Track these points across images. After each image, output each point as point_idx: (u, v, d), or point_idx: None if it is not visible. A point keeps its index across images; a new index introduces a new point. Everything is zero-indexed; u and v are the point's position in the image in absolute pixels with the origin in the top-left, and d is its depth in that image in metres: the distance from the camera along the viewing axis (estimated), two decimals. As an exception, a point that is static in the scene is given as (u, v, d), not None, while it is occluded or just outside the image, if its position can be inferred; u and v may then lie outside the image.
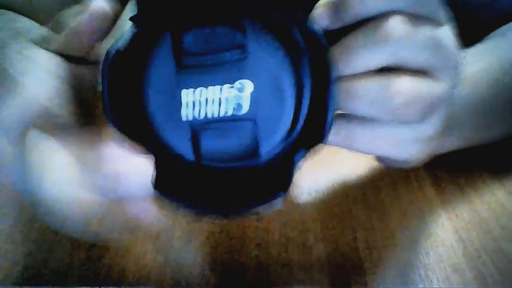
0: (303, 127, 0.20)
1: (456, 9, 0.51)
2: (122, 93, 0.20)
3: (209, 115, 0.19)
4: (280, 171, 0.20)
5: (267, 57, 0.19)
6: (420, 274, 0.28)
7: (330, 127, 0.20)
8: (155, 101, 0.20)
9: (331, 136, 0.22)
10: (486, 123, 0.34)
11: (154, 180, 0.20)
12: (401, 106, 0.22)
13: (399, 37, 0.21)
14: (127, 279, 0.28)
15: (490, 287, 0.27)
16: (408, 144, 0.25)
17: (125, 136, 0.20)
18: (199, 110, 0.19)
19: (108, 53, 0.19)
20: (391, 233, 0.31)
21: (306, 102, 0.20)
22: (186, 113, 0.19)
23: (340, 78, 0.21)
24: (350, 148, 0.24)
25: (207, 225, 0.32)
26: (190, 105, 0.19)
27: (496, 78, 0.34)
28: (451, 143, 0.33)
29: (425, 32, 0.22)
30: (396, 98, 0.22)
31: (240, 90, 0.19)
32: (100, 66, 0.20)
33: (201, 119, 0.19)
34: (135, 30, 0.19)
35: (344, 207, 0.33)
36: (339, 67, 0.21)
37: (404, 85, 0.22)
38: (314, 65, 0.20)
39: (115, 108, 0.20)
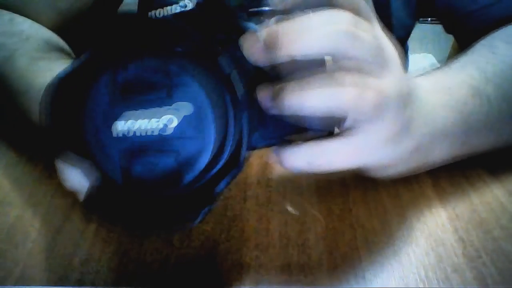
0: (226, 159, 0.22)
1: (454, 13, 0.51)
2: (65, 119, 0.22)
3: (137, 147, 0.21)
4: (202, 197, 0.22)
5: (191, 95, 0.21)
6: (420, 274, 0.28)
7: (244, 157, 0.22)
8: (91, 129, 0.22)
9: (298, 164, 0.25)
10: (472, 134, 0.34)
11: (87, 198, 0.22)
12: (351, 98, 0.23)
13: (342, 31, 0.23)
14: (127, 279, 0.28)
15: (490, 287, 0.27)
16: (371, 150, 0.26)
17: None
18: (129, 141, 0.21)
19: (52, 80, 0.22)
20: (391, 233, 0.31)
21: (229, 136, 0.22)
22: (118, 143, 0.21)
23: (290, 85, 0.23)
24: (319, 169, 0.26)
25: (207, 225, 0.32)
26: (121, 136, 0.21)
27: (478, 88, 0.34)
28: (439, 155, 0.33)
29: (364, 29, 0.24)
30: (344, 91, 0.23)
31: (166, 125, 0.21)
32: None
33: (131, 149, 0.21)
34: (79, 62, 0.22)
35: (344, 207, 0.33)
36: (287, 47, 0.22)
37: (350, 78, 0.23)
38: (233, 102, 0.22)
39: (58, 129, 0.22)
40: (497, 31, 0.42)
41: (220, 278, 0.28)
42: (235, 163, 0.22)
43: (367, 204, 0.34)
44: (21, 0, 0.48)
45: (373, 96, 0.24)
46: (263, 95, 0.24)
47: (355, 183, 0.35)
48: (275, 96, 0.24)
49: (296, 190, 0.35)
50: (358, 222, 0.32)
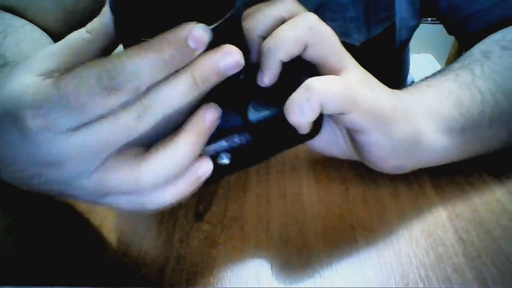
0: None
1: (457, 14, 0.51)
2: None
3: None
4: None
5: None
6: (420, 274, 0.28)
7: None
8: None
9: (295, 107, 0.26)
10: (472, 123, 0.33)
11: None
12: (313, 19, 0.28)
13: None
14: (126, 279, 0.28)
15: (490, 287, 0.27)
16: (356, 85, 0.29)
17: None
18: None
19: None
20: (391, 233, 0.31)
21: None
22: None
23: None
24: (319, 101, 0.27)
25: (207, 225, 0.32)
26: None
27: (465, 82, 0.34)
28: (437, 142, 0.33)
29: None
30: (310, 17, 0.28)
31: None
32: None
33: None
34: None
35: (344, 207, 0.33)
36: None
37: (313, 15, 0.29)
38: None
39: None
40: (495, 34, 0.42)
41: (221, 278, 0.28)
42: None
43: (367, 204, 0.34)
44: (27, 1, 0.48)
45: (331, 29, 0.29)
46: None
47: (355, 183, 0.35)
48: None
49: (296, 190, 0.35)
50: (358, 222, 0.32)
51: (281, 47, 0.27)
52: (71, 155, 0.22)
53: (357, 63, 0.31)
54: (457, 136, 0.33)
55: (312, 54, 0.28)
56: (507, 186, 0.35)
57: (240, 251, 0.30)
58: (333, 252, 0.30)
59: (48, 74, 0.23)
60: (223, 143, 0.28)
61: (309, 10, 0.30)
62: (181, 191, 0.25)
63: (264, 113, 0.28)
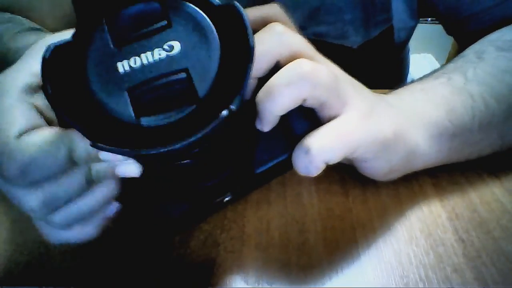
0: (231, 70, 0.22)
1: (456, 15, 0.51)
2: (66, 78, 0.22)
3: (146, 77, 0.21)
4: (214, 113, 0.21)
5: (189, 20, 0.22)
6: (420, 274, 0.28)
7: (251, 68, 0.22)
8: (96, 78, 0.22)
9: (301, 168, 0.27)
10: (462, 128, 0.34)
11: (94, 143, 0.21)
12: (309, 69, 0.26)
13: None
14: (126, 279, 0.28)
15: (490, 287, 0.27)
16: (355, 129, 0.28)
17: (69, 116, 0.21)
18: (136, 76, 0.21)
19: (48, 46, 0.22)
20: (391, 233, 0.31)
21: (229, 48, 0.22)
22: (125, 81, 0.21)
23: (257, 86, 0.26)
24: (321, 159, 0.27)
25: (207, 225, 0.32)
26: (128, 73, 0.21)
27: (457, 87, 0.34)
28: (430, 149, 0.33)
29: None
30: (301, 65, 0.26)
31: (170, 50, 0.21)
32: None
33: (139, 83, 0.21)
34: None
35: (344, 207, 0.33)
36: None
37: (306, 62, 0.26)
38: (231, 19, 0.22)
39: (59, 92, 0.22)
40: (492, 34, 0.42)
41: (221, 279, 0.28)
42: (242, 74, 0.21)
43: (367, 204, 0.34)
44: (26, 2, 0.49)
45: (325, 69, 0.27)
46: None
47: (355, 183, 0.35)
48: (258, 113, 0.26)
49: (296, 190, 0.35)
50: (358, 222, 0.32)
51: (276, 106, 0.26)
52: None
53: (356, 91, 0.29)
54: (447, 142, 0.33)
55: (310, 105, 0.27)
56: (507, 186, 0.35)
57: (240, 251, 0.30)
58: (333, 252, 0.30)
59: (31, 89, 0.25)
60: (227, 195, 0.29)
61: (306, 13, 0.30)
62: (88, 232, 0.27)
63: (269, 164, 0.28)
